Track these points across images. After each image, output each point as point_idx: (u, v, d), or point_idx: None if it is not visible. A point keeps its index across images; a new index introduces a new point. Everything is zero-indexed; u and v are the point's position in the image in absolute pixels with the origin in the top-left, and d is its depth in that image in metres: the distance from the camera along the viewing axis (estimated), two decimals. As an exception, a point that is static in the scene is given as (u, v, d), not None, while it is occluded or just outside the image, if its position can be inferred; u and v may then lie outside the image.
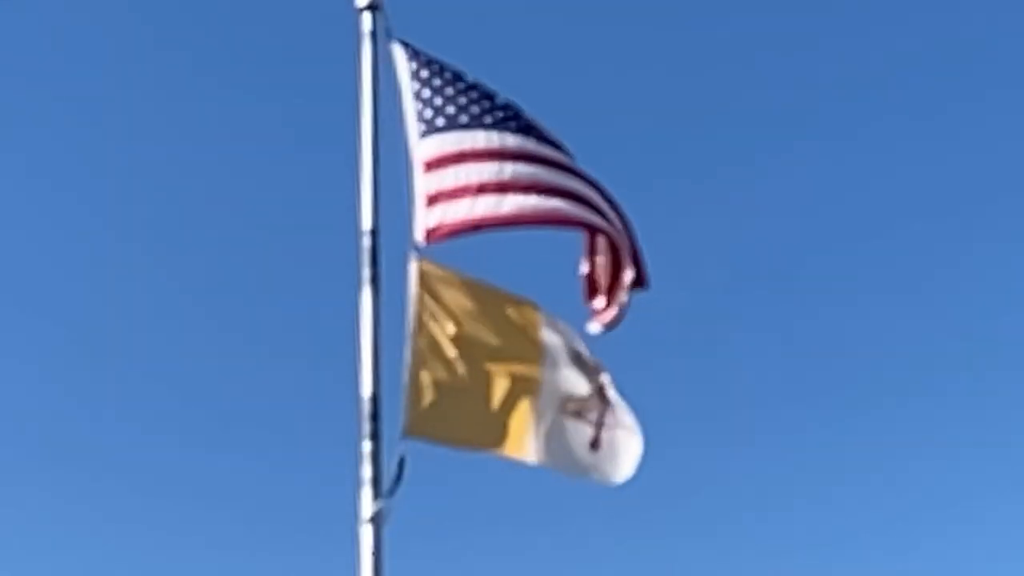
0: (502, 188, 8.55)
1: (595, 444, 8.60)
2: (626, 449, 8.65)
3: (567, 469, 8.60)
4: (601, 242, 8.80)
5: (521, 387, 8.50)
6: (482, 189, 8.53)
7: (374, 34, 8.99)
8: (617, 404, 8.66)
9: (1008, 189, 23.42)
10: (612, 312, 8.74)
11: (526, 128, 8.83)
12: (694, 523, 21.13)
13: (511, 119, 8.85)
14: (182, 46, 22.67)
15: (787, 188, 23.80)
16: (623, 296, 8.74)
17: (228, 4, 22.89)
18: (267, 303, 22.37)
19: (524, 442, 8.45)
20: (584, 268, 8.89)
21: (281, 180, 22.67)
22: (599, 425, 8.60)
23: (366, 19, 9.01)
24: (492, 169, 8.60)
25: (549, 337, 8.64)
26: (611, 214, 8.79)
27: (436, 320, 8.38)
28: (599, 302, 8.81)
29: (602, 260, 8.82)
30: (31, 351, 21.93)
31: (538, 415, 8.49)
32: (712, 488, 21.10)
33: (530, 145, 8.75)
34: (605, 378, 8.67)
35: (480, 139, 8.68)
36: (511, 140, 8.74)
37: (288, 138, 22.62)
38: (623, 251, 8.75)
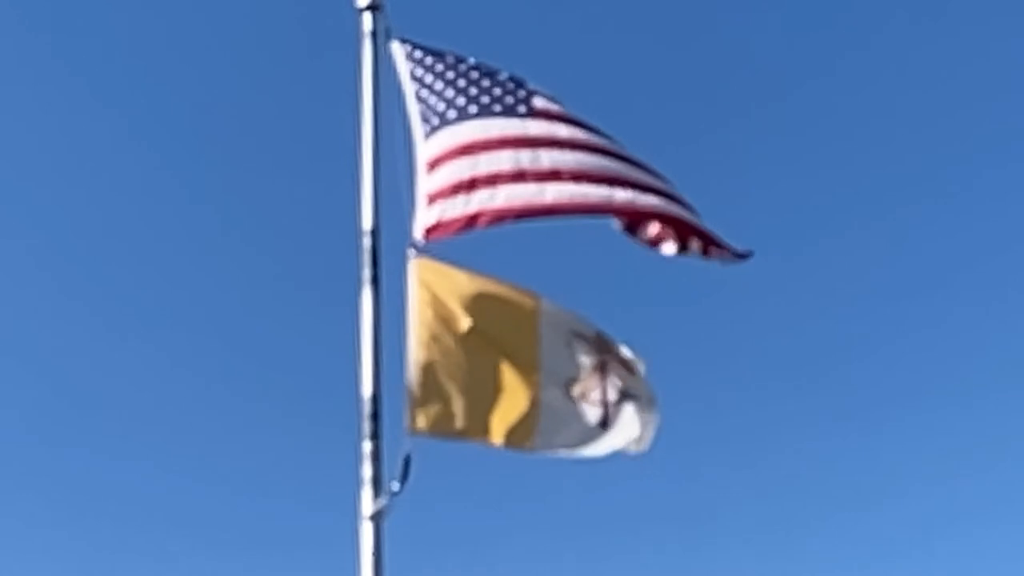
0: (493, 180, 8.53)
1: (605, 423, 8.64)
2: (637, 421, 8.69)
3: (577, 451, 8.62)
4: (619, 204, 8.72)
5: (524, 377, 8.53)
6: (474, 184, 8.52)
7: (374, 34, 9.01)
8: (622, 378, 8.70)
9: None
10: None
11: (513, 108, 8.81)
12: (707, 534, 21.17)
13: (498, 101, 8.83)
14: (181, 46, 22.69)
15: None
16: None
17: (228, 4, 22.89)
18: (267, 303, 22.38)
19: (530, 433, 8.48)
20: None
21: (281, 180, 22.69)
22: (605, 403, 8.64)
23: (366, 19, 9.03)
24: (485, 161, 8.58)
25: (548, 323, 8.66)
26: (631, 175, 8.71)
27: (436, 316, 8.41)
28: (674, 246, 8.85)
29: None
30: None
31: (543, 404, 8.52)
32: (730, 500, 21.12)
33: (515, 127, 8.71)
34: (607, 356, 8.71)
35: (466, 132, 8.66)
36: (501, 126, 8.72)
37: (288, 138, 22.64)
38: (658, 206, 8.71)
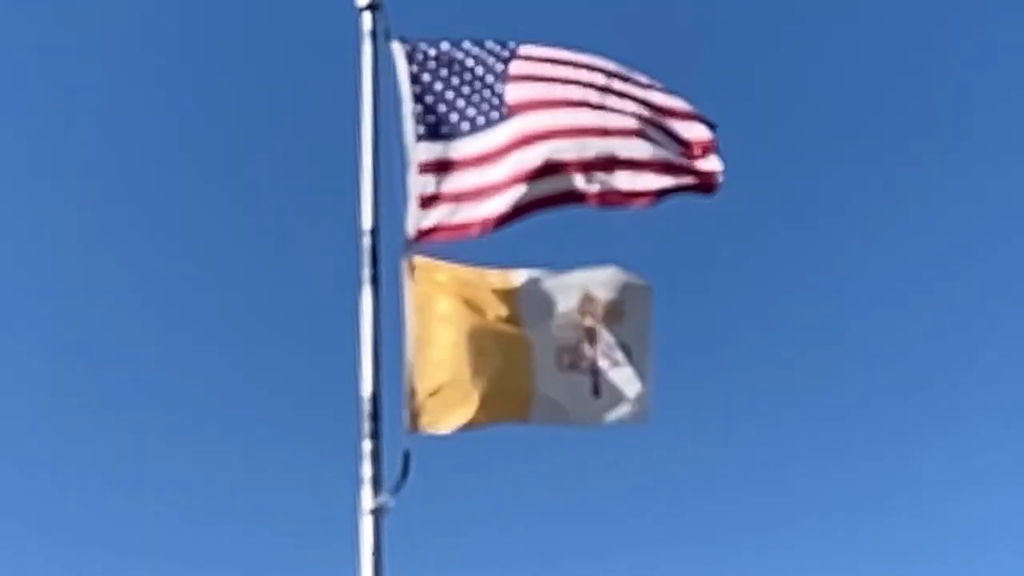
0: (492, 190, 8.68)
1: (596, 391, 8.67)
2: (630, 389, 8.71)
3: (574, 422, 8.67)
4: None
5: (516, 357, 8.60)
6: (477, 194, 8.70)
7: (374, 34, 9.03)
8: (612, 344, 8.73)
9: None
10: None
11: (488, 116, 8.88)
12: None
13: (482, 113, 8.89)
14: (181, 46, 22.70)
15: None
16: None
17: (228, 4, 22.91)
18: (267, 303, 22.40)
19: (528, 409, 8.55)
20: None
21: (281, 180, 22.71)
22: (595, 372, 8.67)
23: (366, 19, 9.05)
24: (488, 174, 8.74)
25: (528, 296, 8.73)
26: (606, 150, 8.74)
27: (431, 312, 8.52)
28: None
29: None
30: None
31: (536, 380, 8.59)
32: (734, 501, 21.15)
33: (496, 137, 8.81)
34: (593, 320, 8.74)
35: (458, 147, 8.80)
36: (485, 141, 8.83)
37: (288, 138, 22.65)
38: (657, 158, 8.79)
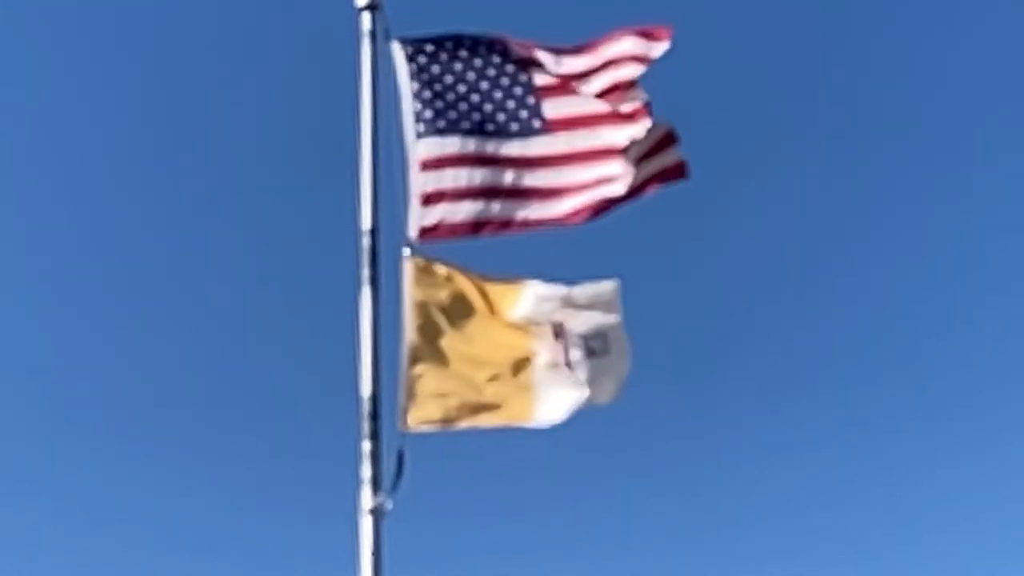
0: (495, 194, 8.80)
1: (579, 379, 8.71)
2: (607, 374, 8.75)
3: (567, 407, 8.70)
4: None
5: (509, 359, 8.64)
6: (480, 194, 8.78)
7: (374, 33, 9.05)
8: (579, 333, 8.75)
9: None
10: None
11: (506, 127, 8.97)
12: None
13: (491, 120, 8.98)
14: (181, 45, 22.71)
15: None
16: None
17: (229, 4, 22.92)
18: (267, 303, 22.41)
19: (524, 410, 8.58)
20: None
21: (281, 180, 22.70)
22: (568, 364, 8.69)
23: (366, 19, 9.07)
24: (491, 176, 8.84)
25: (526, 303, 8.74)
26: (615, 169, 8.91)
27: (428, 313, 8.55)
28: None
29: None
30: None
31: (528, 380, 8.62)
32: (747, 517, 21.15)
33: (510, 149, 8.93)
34: (562, 314, 8.77)
35: (460, 144, 8.86)
36: (513, 147, 8.94)
37: (288, 138, 22.64)
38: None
